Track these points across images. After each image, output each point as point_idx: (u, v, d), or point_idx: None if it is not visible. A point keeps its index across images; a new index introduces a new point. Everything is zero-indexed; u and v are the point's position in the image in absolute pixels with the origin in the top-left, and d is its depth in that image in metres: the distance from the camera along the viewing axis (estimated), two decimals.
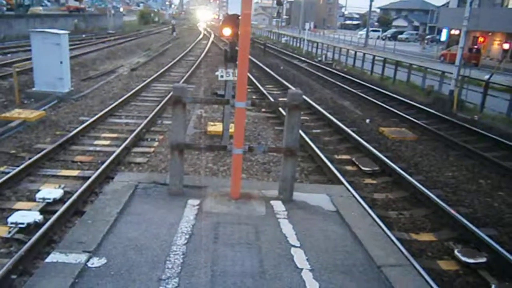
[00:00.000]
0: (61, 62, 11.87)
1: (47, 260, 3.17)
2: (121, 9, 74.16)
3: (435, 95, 16.44)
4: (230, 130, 7.87)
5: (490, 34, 35.10)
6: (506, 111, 13.29)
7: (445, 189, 7.51)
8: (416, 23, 76.89)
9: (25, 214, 5.18)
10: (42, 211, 5.39)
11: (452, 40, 36.63)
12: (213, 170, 7.30)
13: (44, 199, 5.68)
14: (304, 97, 13.38)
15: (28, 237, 4.76)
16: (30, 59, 12.92)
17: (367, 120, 12.27)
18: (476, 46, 31.35)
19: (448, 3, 47.58)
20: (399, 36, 63.02)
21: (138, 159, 7.71)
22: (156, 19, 73.45)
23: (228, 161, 7.44)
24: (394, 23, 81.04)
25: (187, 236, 3.62)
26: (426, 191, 6.84)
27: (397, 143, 10.09)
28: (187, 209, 4.12)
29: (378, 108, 14.11)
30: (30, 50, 12.81)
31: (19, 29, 28.21)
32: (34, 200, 5.71)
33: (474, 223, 5.95)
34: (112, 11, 46.51)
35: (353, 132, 10.20)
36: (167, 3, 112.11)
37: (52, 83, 11.90)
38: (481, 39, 32.77)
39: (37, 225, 5.02)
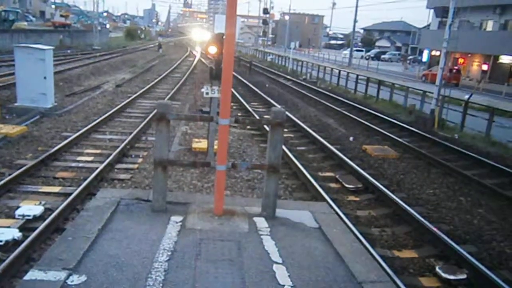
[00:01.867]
0: (45, 78, 11.80)
1: (25, 277, 3.11)
2: (107, 26, 74.38)
3: (416, 114, 16.79)
4: (215, 147, 7.89)
5: (469, 55, 36.22)
6: (485, 130, 13.63)
7: (426, 206, 7.62)
8: (398, 44, 78.71)
9: (4, 232, 5.06)
10: (21, 228, 5.28)
11: (434, 61, 37.65)
12: (197, 186, 7.28)
13: (23, 216, 5.57)
14: (289, 114, 13.61)
15: (6, 255, 4.65)
16: (13, 74, 12.81)
17: (351, 138, 12.43)
18: (456, 67, 32.26)
19: (429, 25, 48.96)
20: (382, 56, 64.43)
21: (122, 176, 7.65)
22: (143, 36, 73.76)
23: (213, 178, 7.43)
24: (377, 44, 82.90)
25: (169, 253, 3.59)
26: (408, 208, 6.94)
27: (379, 161, 10.23)
28: (170, 226, 4.10)
29: (361, 126, 14.32)
30: (13, 65, 12.69)
31: (3, 44, 28.02)
32: (14, 217, 5.60)
33: (454, 240, 6.04)
34: (99, 28, 46.54)
35: (337, 149, 10.32)
36: (154, 20, 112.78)
37: (35, 98, 11.81)
38: (461, 60, 33.82)
39: (16, 243, 4.92)
